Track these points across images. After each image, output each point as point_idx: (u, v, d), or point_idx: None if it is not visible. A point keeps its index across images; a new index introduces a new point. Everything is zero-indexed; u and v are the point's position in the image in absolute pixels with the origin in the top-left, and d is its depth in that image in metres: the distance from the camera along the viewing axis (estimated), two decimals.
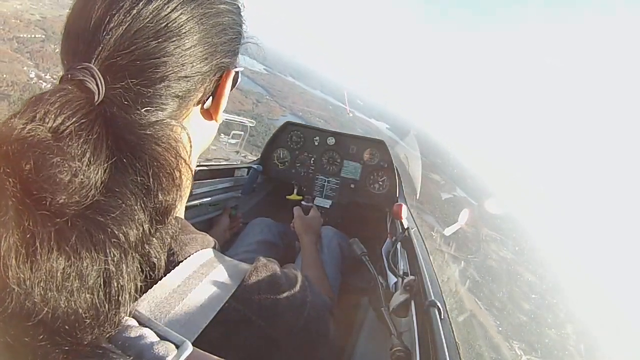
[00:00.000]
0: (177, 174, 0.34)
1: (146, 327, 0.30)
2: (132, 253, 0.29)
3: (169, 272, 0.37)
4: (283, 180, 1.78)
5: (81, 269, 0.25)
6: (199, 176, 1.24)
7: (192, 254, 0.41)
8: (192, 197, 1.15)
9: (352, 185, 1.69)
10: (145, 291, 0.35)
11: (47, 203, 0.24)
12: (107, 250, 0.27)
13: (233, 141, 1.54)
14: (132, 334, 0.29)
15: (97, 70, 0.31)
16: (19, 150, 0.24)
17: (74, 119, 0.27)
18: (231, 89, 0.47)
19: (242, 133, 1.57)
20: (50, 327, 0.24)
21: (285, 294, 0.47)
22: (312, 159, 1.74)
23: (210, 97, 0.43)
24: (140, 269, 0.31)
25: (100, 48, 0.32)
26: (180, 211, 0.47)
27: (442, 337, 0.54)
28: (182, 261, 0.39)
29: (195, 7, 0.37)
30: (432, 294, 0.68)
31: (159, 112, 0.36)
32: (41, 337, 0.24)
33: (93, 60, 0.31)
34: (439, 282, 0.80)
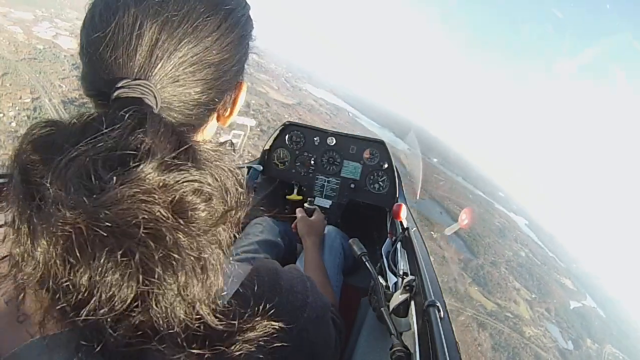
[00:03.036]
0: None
1: None
2: None
3: None
4: (283, 180, 1.78)
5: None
6: None
7: None
8: None
9: (352, 185, 1.69)
10: None
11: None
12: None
13: (235, 141, 1.54)
14: None
15: (155, 88, 0.33)
16: (161, 192, 0.26)
17: (152, 136, 0.28)
18: None
19: (242, 133, 1.57)
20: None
21: (285, 294, 0.47)
22: (312, 159, 1.74)
23: (229, 106, 0.46)
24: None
25: (159, 67, 0.34)
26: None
27: (442, 337, 0.54)
28: None
29: (239, 31, 0.40)
30: (432, 294, 0.68)
31: (194, 125, 0.40)
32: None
33: (151, 78, 0.33)
34: (439, 282, 0.80)
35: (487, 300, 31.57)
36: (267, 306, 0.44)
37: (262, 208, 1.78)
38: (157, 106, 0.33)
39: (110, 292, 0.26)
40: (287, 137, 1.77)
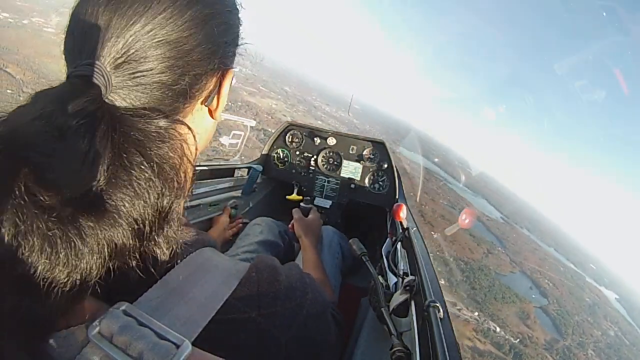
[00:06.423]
0: (182, 175, 0.34)
1: (146, 326, 0.30)
2: (117, 259, 0.29)
3: (169, 271, 0.37)
4: (283, 180, 1.78)
5: (58, 270, 0.25)
6: (199, 176, 1.24)
7: (193, 253, 0.41)
8: (192, 197, 1.15)
9: (352, 185, 1.69)
10: (146, 290, 0.35)
11: (48, 200, 0.25)
12: (88, 257, 0.27)
13: (233, 141, 1.55)
14: (132, 335, 0.29)
15: (105, 68, 0.31)
16: (25, 148, 0.25)
17: (79, 116, 0.27)
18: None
19: (242, 133, 1.58)
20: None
21: (284, 292, 0.47)
22: (312, 159, 1.74)
23: (214, 96, 0.44)
24: (140, 267, 0.31)
25: (108, 47, 0.32)
26: (179, 209, 0.48)
27: (442, 337, 0.54)
28: (182, 260, 0.39)
29: (200, 8, 0.37)
30: (432, 294, 0.68)
31: (164, 110, 0.36)
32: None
33: (102, 59, 0.32)
34: (439, 282, 0.80)
35: None
36: (267, 304, 0.44)
37: (262, 208, 1.78)
38: (106, 84, 0.31)
39: None
40: (287, 137, 1.77)
